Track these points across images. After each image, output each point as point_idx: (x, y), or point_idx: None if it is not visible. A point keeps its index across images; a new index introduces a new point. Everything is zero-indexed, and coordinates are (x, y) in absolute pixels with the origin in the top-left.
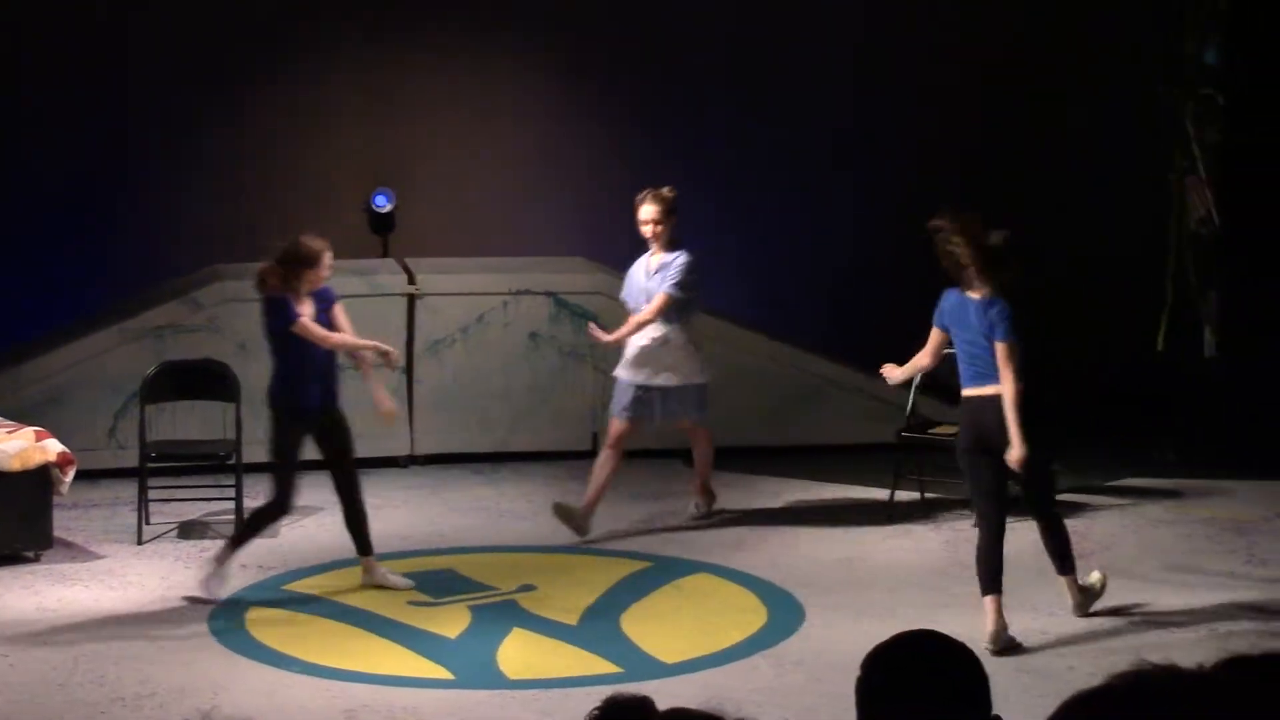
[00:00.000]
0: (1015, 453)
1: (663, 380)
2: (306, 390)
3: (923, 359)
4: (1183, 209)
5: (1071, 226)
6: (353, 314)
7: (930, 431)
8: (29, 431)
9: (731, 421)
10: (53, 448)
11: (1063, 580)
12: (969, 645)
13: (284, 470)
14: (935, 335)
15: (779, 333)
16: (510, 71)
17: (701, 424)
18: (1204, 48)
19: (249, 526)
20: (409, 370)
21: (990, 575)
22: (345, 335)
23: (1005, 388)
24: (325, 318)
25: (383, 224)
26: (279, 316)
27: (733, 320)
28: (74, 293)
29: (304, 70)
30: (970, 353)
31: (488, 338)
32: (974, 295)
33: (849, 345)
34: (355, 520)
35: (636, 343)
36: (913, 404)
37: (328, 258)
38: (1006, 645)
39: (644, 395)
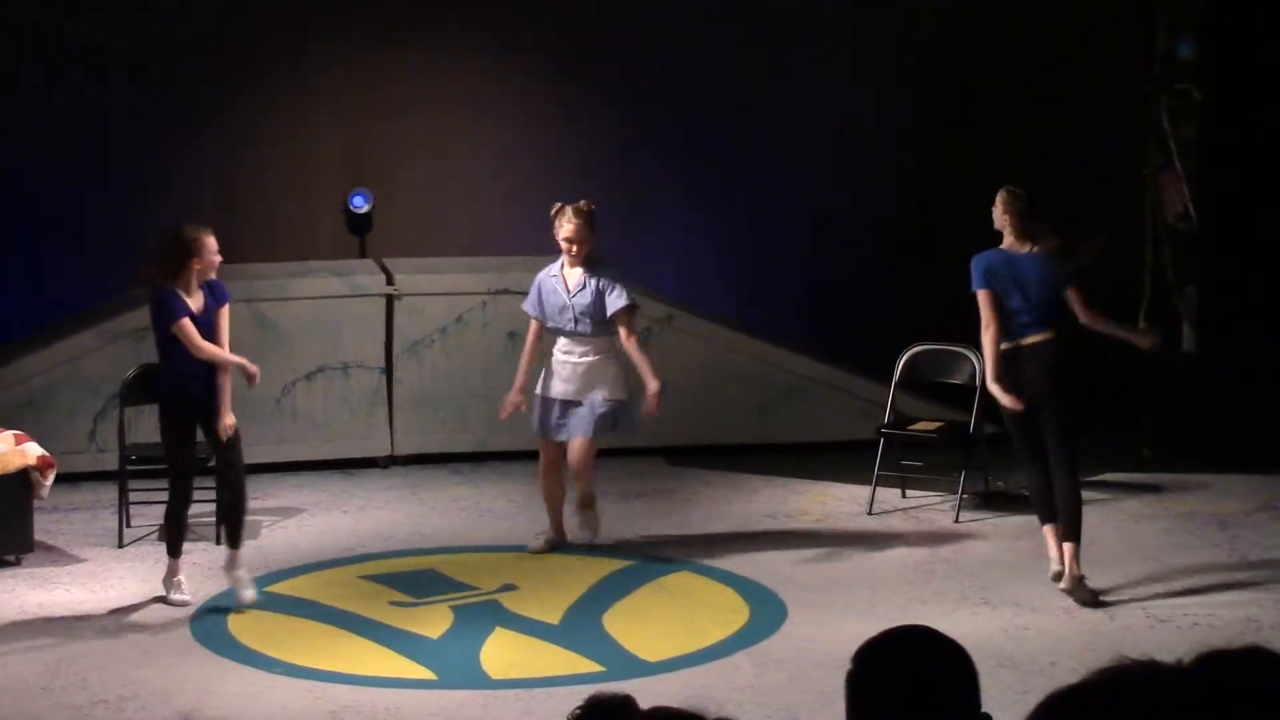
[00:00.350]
0: (1147, 339)
1: (593, 395)
2: (190, 382)
3: (990, 329)
4: (1158, 204)
5: (1050, 221)
6: (331, 315)
7: (910, 428)
8: (8, 435)
9: (714, 419)
10: (32, 451)
11: (1066, 547)
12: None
13: (179, 462)
14: (988, 296)
15: (761, 331)
16: (488, 71)
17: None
18: (1179, 43)
19: (172, 532)
20: (388, 371)
21: (1044, 507)
22: (216, 349)
23: (1090, 318)
24: (210, 317)
25: (361, 224)
26: (160, 312)
27: (715, 319)
28: (52, 295)
29: (282, 71)
30: (1021, 306)
31: (467, 338)
32: (1023, 249)
33: (830, 344)
34: (233, 512)
35: (569, 360)
36: (892, 401)
37: (211, 243)
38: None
39: (567, 411)
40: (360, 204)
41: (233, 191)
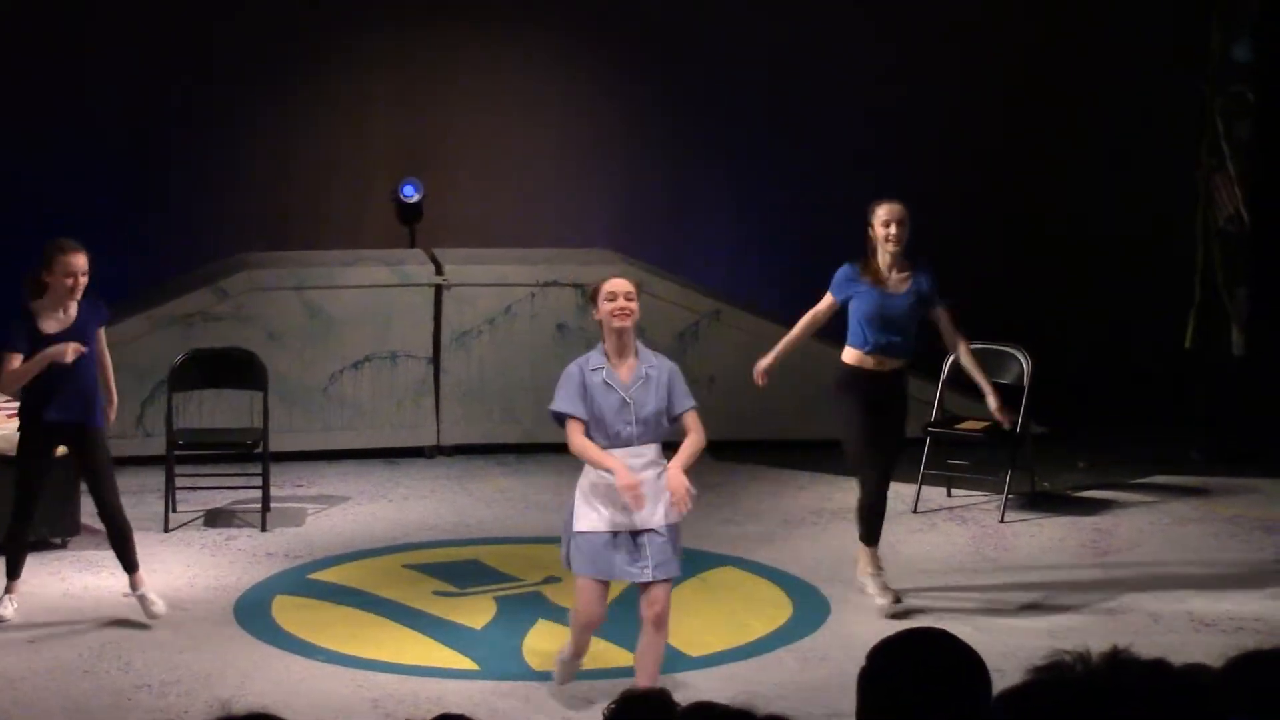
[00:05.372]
0: None
1: (662, 516)
2: (52, 404)
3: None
4: (1210, 205)
5: (1101, 223)
6: (380, 304)
7: (957, 427)
8: None
9: (760, 415)
10: None
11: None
12: (990, 639)
13: (26, 490)
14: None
15: None
16: (539, 65)
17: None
18: (1234, 45)
19: (11, 553)
20: (436, 361)
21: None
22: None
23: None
24: (80, 335)
25: (411, 214)
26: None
27: (764, 314)
28: (102, 281)
29: (334, 61)
30: None
31: (515, 329)
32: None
33: None
34: (118, 538)
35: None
36: (940, 399)
37: (69, 262)
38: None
39: (639, 542)
40: (411, 194)
41: (284, 180)
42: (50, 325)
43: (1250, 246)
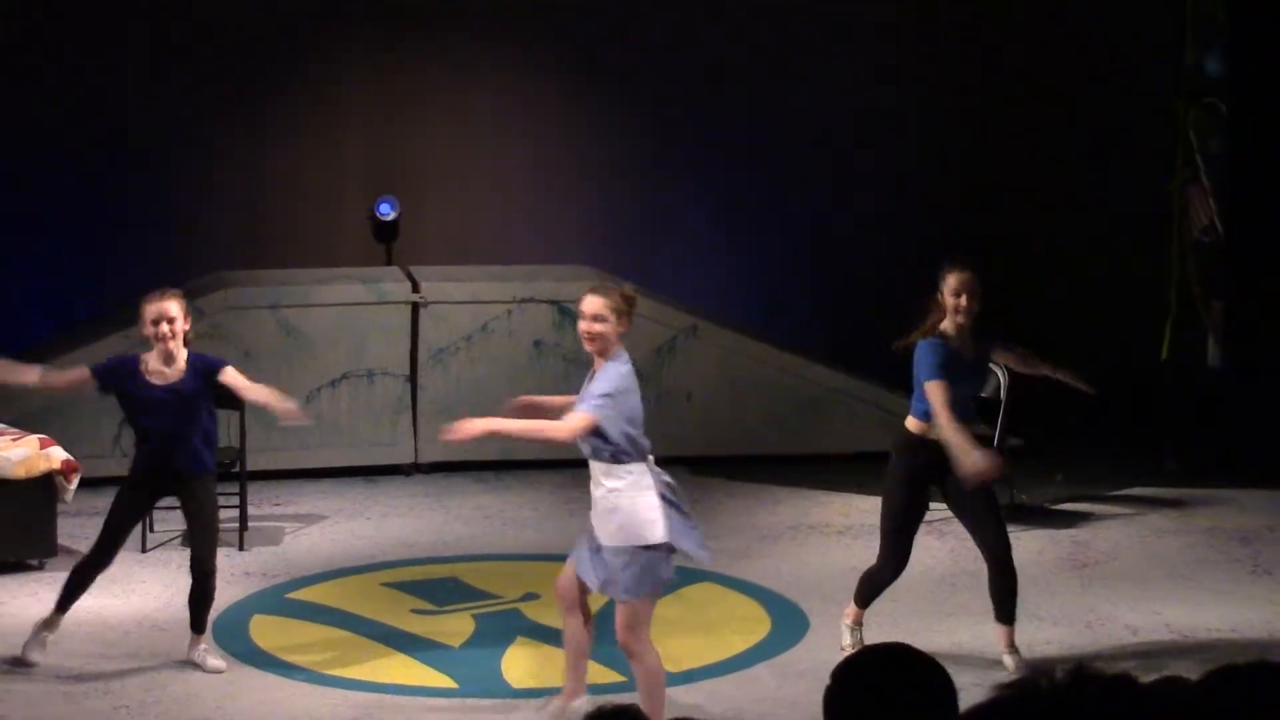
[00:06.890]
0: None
1: (606, 539)
2: (155, 453)
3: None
4: (1184, 218)
5: (1076, 236)
6: (357, 322)
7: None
8: (33, 439)
9: (737, 430)
10: (57, 455)
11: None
12: (974, 653)
13: (112, 521)
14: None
15: (787, 343)
16: (514, 81)
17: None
18: (1206, 57)
19: (73, 586)
20: (413, 378)
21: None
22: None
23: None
24: (183, 396)
25: (387, 232)
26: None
27: (741, 330)
28: (77, 300)
29: (309, 78)
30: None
31: (492, 346)
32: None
33: (857, 355)
34: (198, 596)
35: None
36: None
37: (148, 310)
38: None
39: (594, 551)
40: (387, 211)
41: (260, 198)
42: (156, 378)
43: (1225, 258)
